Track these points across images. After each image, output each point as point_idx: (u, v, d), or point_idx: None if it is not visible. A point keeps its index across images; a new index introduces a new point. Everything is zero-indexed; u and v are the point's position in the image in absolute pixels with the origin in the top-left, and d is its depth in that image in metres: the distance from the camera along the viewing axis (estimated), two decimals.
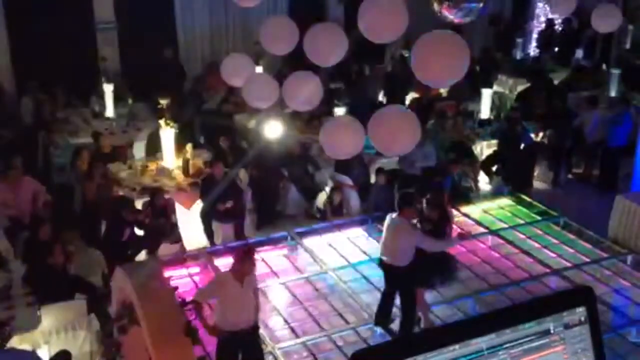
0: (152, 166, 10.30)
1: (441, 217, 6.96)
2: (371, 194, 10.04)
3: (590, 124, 11.41)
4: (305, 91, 6.89)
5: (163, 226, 9.04)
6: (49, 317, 7.04)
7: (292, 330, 7.32)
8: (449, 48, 5.20)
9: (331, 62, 6.86)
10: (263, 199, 10.17)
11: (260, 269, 8.50)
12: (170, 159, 10.21)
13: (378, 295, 7.67)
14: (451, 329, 1.71)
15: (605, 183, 11.17)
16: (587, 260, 8.67)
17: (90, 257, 9.08)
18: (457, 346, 1.66)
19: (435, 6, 5.96)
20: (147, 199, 9.19)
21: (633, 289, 8.06)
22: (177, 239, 9.18)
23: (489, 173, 11.38)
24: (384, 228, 6.99)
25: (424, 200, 7.03)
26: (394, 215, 6.89)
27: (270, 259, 8.72)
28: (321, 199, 10.25)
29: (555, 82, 14.21)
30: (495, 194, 10.84)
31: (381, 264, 7.09)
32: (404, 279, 6.94)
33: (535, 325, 1.75)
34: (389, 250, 6.90)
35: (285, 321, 7.49)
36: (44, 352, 6.81)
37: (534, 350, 1.75)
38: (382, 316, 7.28)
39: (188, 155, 10.14)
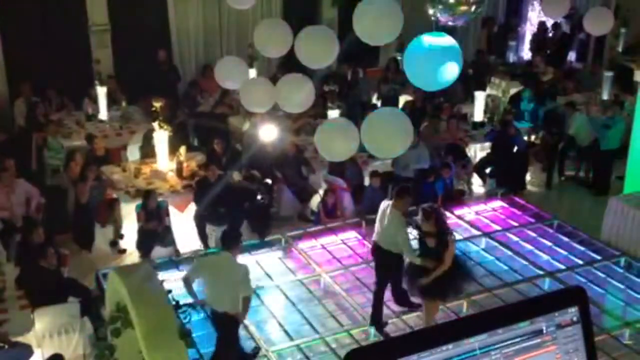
0: (146, 169, 10.30)
1: (439, 230, 6.75)
2: (365, 197, 10.05)
3: (575, 126, 11.50)
4: (298, 93, 6.90)
5: (156, 229, 9.05)
6: (42, 320, 7.02)
7: (286, 332, 7.32)
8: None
9: (322, 65, 6.87)
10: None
11: (254, 271, 8.51)
12: (164, 161, 10.20)
13: (371, 298, 7.69)
14: (444, 329, 1.71)
15: (599, 185, 11.21)
16: (581, 262, 8.69)
17: (84, 260, 9.08)
18: (450, 346, 1.67)
19: (429, 9, 5.98)
20: (140, 201, 9.18)
21: (626, 291, 8.09)
22: (171, 242, 9.18)
23: (482, 175, 11.42)
24: (379, 211, 7.15)
25: (420, 213, 6.88)
26: (388, 202, 7.11)
27: (264, 262, 8.72)
28: (315, 201, 10.25)
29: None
30: (489, 196, 10.86)
31: (373, 246, 7.23)
32: (392, 264, 7.09)
33: (528, 325, 1.75)
34: (380, 233, 7.13)
35: (279, 324, 7.48)
36: (37, 355, 6.80)
37: (527, 350, 1.76)
38: (378, 316, 7.34)
39: (182, 158, 10.13)
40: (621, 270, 8.57)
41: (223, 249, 6.69)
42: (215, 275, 6.44)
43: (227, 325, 6.48)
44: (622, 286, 8.20)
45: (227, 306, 6.37)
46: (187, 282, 6.46)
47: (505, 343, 1.72)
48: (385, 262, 7.21)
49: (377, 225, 7.22)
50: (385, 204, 7.17)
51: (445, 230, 6.77)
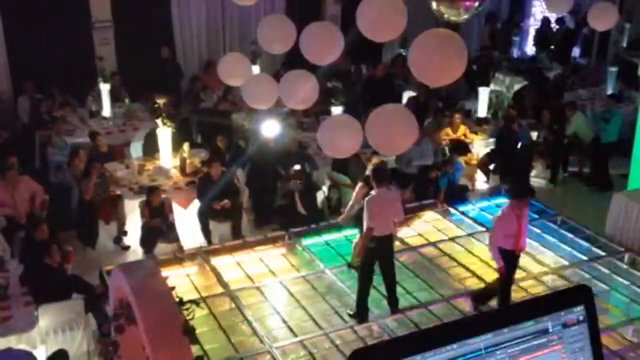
0: (149, 165, 10.32)
1: None
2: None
3: (574, 126, 11.50)
4: (302, 90, 6.89)
5: (160, 225, 9.06)
6: (46, 317, 7.03)
7: (290, 329, 7.31)
8: (447, 47, 5.18)
9: (327, 61, 6.85)
10: (260, 197, 10.16)
11: (257, 268, 8.54)
12: (167, 158, 10.21)
13: (375, 294, 7.68)
14: (449, 329, 1.70)
15: (598, 180, 11.19)
16: (585, 258, 8.67)
17: (88, 257, 9.09)
18: (455, 345, 1.66)
19: (433, 4, 5.96)
20: (144, 198, 9.19)
21: (630, 287, 8.06)
22: (175, 239, 9.18)
23: (486, 172, 11.39)
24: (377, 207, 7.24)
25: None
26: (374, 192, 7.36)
27: (267, 258, 8.72)
28: (319, 198, 10.25)
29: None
30: (493, 192, 10.84)
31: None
32: None
33: (534, 324, 1.74)
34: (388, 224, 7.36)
35: (283, 320, 7.48)
36: (41, 352, 6.81)
37: (532, 350, 1.75)
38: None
39: (185, 155, 10.14)
40: (625, 267, 8.54)
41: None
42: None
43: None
44: (626, 282, 8.17)
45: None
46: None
47: (511, 342, 1.71)
48: None
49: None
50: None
51: None
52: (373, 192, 7.35)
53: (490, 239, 7.42)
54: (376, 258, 7.33)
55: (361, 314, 7.34)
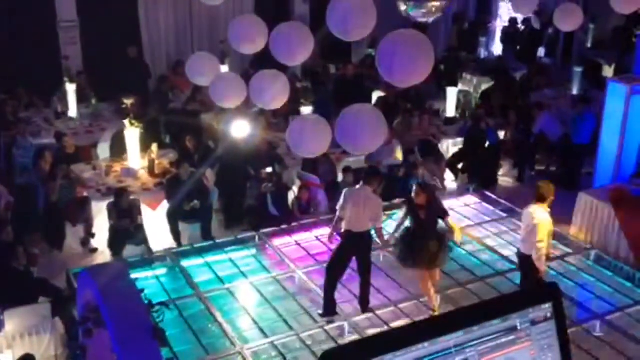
0: (117, 167, 10.20)
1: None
2: (338, 193, 10.02)
3: (540, 124, 11.65)
4: (272, 90, 6.88)
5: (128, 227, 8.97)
6: (13, 321, 6.92)
7: (261, 330, 7.29)
8: (414, 47, 5.22)
9: (297, 61, 6.87)
10: (230, 198, 10.12)
11: (228, 269, 8.50)
12: (135, 159, 10.10)
13: (347, 294, 7.70)
14: (419, 328, 1.71)
15: (568, 179, 11.33)
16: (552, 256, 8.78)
17: (55, 259, 8.96)
18: (425, 344, 1.67)
19: (401, 6, 6.01)
20: (111, 200, 9.08)
21: (596, 284, 8.20)
22: (143, 240, 9.09)
23: (454, 171, 11.49)
24: (351, 201, 7.19)
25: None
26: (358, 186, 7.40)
27: (238, 259, 8.68)
28: (289, 198, 10.23)
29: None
30: (461, 191, 10.93)
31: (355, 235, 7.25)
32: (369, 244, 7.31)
33: (502, 322, 1.76)
34: (361, 222, 7.17)
35: (254, 321, 7.46)
36: (8, 357, 6.70)
37: (501, 347, 1.76)
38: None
39: (153, 155, 10.05)
40: (591, 264, 8.68)
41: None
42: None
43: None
44: (592, 279, 8.31)
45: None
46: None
47: (480, 340, 1.73)
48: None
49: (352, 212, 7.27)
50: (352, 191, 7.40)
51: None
52: (357, 186, 7.47)
53: (534, 245, 7.12)
54: (352, 254, 7.35)
55: (329, 308, 7.34)
